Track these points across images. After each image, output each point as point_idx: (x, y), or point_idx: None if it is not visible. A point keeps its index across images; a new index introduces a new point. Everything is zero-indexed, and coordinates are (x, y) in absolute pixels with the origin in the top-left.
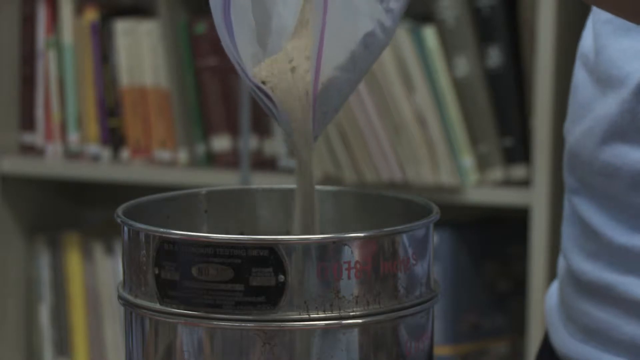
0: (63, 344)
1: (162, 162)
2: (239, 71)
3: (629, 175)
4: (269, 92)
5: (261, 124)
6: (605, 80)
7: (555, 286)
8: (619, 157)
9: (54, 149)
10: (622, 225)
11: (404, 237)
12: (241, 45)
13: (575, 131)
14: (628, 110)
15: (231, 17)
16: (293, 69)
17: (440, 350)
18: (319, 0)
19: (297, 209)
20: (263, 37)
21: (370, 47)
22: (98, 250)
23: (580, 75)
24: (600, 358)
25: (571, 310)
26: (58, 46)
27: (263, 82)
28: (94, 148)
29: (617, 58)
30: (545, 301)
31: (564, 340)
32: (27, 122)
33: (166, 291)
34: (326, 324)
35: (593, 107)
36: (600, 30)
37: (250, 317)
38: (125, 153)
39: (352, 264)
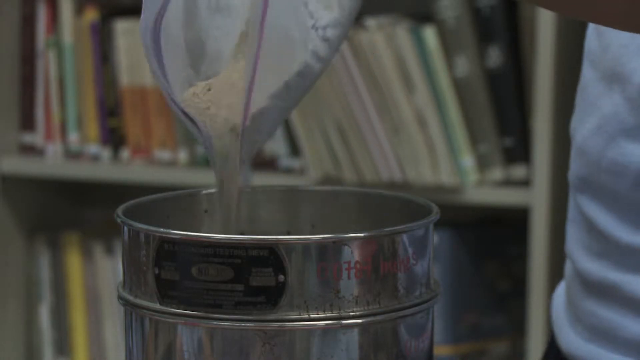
0: (63, 344)
1: (162, 162)
2: (164, 94)
3: (635, 174)
4: (196, 118)
5: None
6: (610, 77)
7: (562, 287)
8: (626, 155)
9: (54, 149)
10: (629, 225)
11: (404, 237)
12: (171, 69)
13: (584, 129)
14: (636, 107)
15: (161, 41)
16: (225, 97)
17: (440, 350)
18: (254, 30)
19: (219, 222)
20: (196, 60)
21: (305, 76)
22: (98, 250)
23: (588, 75)
24: (607, 358)
25: (578, 311)
26: (58, 46)
27: (198, 105)
28: (94, 148)
29: (620, 54)
30: (552, 302)
31: (570, 340)
32: (27, 122)
33: (166, 291)
34: (326, 324)
35: (600, 105)
36: (605, 27)
37: (250, 317)
38: (125, 153)
39: (352, 264)
